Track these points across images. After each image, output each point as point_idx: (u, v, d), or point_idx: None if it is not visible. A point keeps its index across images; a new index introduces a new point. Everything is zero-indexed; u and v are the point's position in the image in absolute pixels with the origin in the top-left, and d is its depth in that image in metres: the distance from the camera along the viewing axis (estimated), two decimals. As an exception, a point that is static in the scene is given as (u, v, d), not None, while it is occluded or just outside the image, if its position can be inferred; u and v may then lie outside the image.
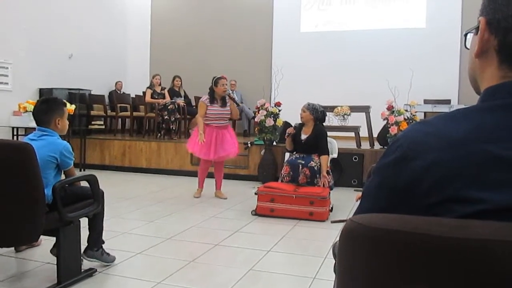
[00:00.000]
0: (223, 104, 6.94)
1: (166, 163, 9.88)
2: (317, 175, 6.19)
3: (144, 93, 11.11)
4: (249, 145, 9.14)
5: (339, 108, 8.94)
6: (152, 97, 10.77)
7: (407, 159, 1.01)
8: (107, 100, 12.60)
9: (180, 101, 10.83)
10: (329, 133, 6.56)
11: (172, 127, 10.44)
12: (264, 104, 8.73)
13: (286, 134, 6.41)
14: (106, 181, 8.32)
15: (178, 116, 10.59)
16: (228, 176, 8.52)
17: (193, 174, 8.70)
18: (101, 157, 10.30)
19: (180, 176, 9.53)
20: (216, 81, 6.80)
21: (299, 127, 6.43)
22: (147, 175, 9.67)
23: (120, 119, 12.39)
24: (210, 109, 6.84)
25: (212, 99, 6.88)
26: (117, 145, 10.22)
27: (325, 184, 6.08)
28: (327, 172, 6.20)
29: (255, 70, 13.35)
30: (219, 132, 6.90)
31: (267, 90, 12.21)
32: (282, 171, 6.35)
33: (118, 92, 12.92)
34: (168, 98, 10.74)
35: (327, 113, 6.95)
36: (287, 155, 7.05)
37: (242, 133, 11.85)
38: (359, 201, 1.15)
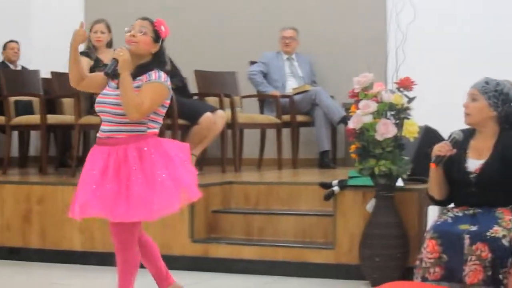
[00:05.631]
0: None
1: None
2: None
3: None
4: (334, 190, 5.03)
5: None
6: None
7: None
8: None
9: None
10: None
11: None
12: (371, 86, 4.69)
13: (433, 159, 3.69)
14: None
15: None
16: (282, 268, 5.03)
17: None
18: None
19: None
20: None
21: (463, 141, 3.73)
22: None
23: (16, 133, 6.87)
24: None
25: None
26: (12, 195, 5.69)
27: None
28: None
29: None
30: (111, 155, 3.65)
31: (377, 49, 6.74)
32: (423, 251, 3.64)
33: (10, 66, 7.39)
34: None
35: None
36: (431, 211, 4.02)
37: (317, 160, 6.96)
38: None
